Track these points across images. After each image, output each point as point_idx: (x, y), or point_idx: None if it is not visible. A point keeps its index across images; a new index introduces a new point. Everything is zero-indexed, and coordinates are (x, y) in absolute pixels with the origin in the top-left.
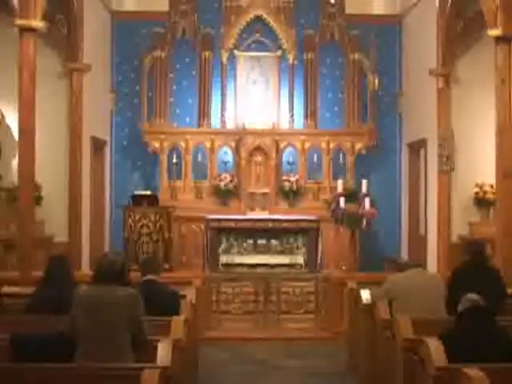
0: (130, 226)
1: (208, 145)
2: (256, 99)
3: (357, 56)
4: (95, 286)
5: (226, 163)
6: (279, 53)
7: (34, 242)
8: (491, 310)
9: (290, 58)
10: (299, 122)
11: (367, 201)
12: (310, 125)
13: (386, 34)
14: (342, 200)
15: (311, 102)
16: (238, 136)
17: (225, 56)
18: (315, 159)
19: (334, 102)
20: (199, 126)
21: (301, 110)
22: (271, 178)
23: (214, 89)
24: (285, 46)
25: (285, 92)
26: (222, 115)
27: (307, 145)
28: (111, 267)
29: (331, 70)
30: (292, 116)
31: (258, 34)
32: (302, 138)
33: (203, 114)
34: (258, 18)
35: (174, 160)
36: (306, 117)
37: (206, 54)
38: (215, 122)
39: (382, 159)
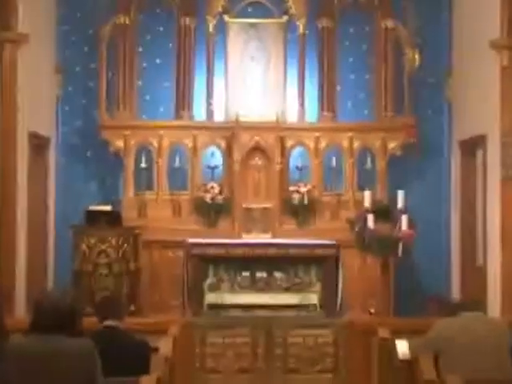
0: (84, 253)
1: (189, 144)
2: (254, 82)
3: (390, 23)
4: (34, 337)
5: (213, 168)
6: (285, 19)
7: None
8: None
9: (300, 26)
10: (312, 113)
11: (404, 219)
12: (326, 117)
13: None
14: (370, 218)
15: (328, 85)
16: (230, 132)
17: (212, 23)
18: (334, 163)
19: (359, 86)
20: (177, 118)
21: (314, 97)
22: (275, 189)
23: (197, 68)
24: (293, 10)
25: (292, 72)
26: (209, 103)
27: (323, 143)
28: (56, 311)
29: (355, 43)
30: (302, 105)
31: None
32: (317, 134)
33: (183, 101)
34: None
35: (143, 164)
36: (321, 106)
37: (187, 20)
38: (199, 112)
39: (424, 163)
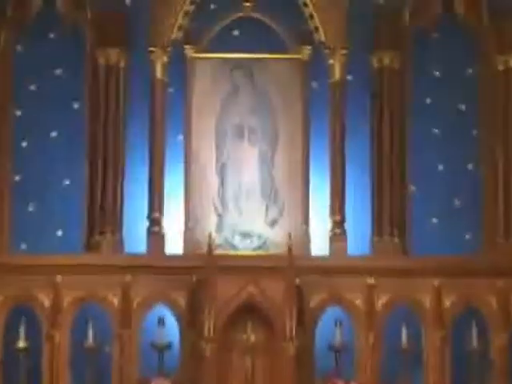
0: None
1: (115, 300)
2: (243, 176)
3: None
4: None
5: (162, 350)
6: (306, 53)
7: None
8: None
9: (336, 65)
10: (359, 240)
11: None
12: (388, 245)
13: None
14: None
15: (392, 184)
16: (196, 276)
17: (161, 62)
18: (404, 340)
19: (453, 186)
20: (90, 248)
21: (363, 207)
22: None
23: (130, 148)
24: (321, 36)
25: (320, 156)
26: (154, 220)
27: (382, 300)
28: None
29: (445, 99)
30: (340, 223)
31: (248, 5)
32: (369, 281)
33: (101, 216)
34: None
35: (22, 342)
36: (376, 225)
37: (111, 55)
38: (134, 238)
39: None
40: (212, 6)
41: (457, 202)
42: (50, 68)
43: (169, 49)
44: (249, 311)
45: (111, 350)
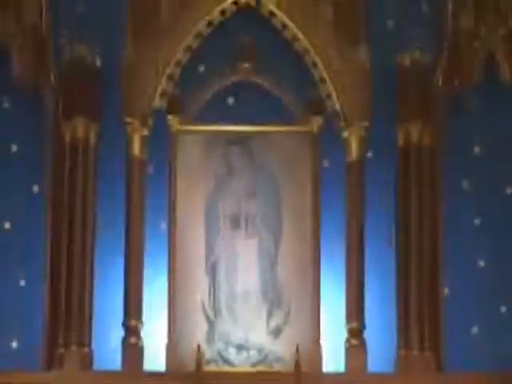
0: None
1: None
2: (239, 275)
3: None
4: None
5: None
6: (316, 125)
7: None
8: None
9: (353, 141)
10: (380, 353)
11: None
12: (416, 359)
13: None
14: None
15: (420, 286)
16: None
17: (139, 136)
18: None
19: (498, 288)
20: (50, 364)
21: (386, 313)
22: None
23: (102, 240)
24: (334, 103)
25: (332, 253)
26: (130, 330)
27: None
28: None
29: (486, 181)
30: (359, 332)
31: (246, 66)
32: None
33: (67, 324)
34: (248, 12)
35: None
36: (402, 333)
37: (79, 127)
38: (107, 352)
39: None
40: (201, 69)
41: (503, 308)
42: (4, 143)
43: (149, 120)
44: None
45: None
